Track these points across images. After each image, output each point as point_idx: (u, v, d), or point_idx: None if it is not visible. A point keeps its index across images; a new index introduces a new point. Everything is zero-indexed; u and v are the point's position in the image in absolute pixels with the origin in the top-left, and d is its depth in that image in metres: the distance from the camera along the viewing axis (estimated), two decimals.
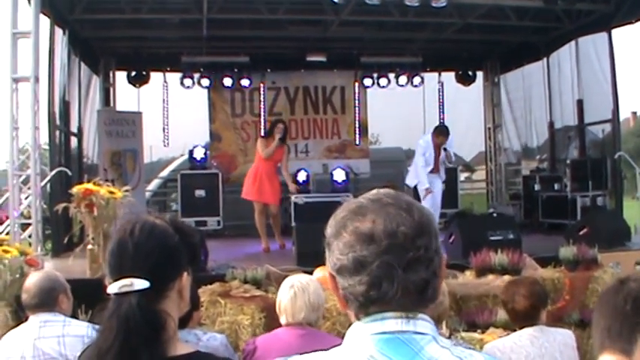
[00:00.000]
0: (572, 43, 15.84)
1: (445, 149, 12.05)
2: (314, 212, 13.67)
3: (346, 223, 1.71)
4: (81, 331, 4.13)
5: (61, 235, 11.34)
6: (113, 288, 2.04)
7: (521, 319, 4.80)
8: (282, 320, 4.52)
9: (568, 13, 14.35)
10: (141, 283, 2.02)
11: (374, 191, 1.79)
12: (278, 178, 12.90)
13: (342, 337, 1.75)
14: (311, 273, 8.35)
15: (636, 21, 13.94)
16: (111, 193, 8.71)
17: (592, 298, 8.63)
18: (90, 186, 8.69)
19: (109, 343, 1.98)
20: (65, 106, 13.08)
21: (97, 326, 3.39)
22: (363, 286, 1.66)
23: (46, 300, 4.27)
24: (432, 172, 12.18)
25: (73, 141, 13.94)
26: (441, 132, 12.35)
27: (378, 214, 1.69)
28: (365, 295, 1.66)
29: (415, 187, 12.06)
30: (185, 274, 2.16)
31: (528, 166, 18.77)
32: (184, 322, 4.58)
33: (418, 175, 12.10)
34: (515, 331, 4.88)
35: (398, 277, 1.65)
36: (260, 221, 12.58)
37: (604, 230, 10.81)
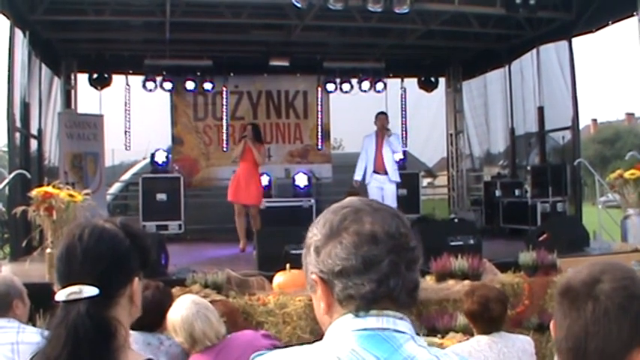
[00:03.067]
0: (534, 50, 16.01)
1: (388, 129, 12.17)
2: (276, 217, 13.67)
3: (345, 226, 1.75)
4: (35, 339, 4.04)
5: (19, 238, 11.18)
6: (61, 295, 1.99)
7: (479, 323, 4.81)
8: (180, 340, 4.43)
9: (530, 21, 14.49)
10: (90, 290, 1.98)
11: (354, 198, 1.85)
12: (256, 180, 12.85)
13: (302, 342, 1.76)
14: (271, 277, 8.39)
15: (596, 30, 14.12)
16: (71, 196, 8.61)
17: (551, 302, 8.68)
18: (49, 189, 8.58)
19: (57, 352, 1.93)
20: (25, 107, 12.92)
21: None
22: (372, 284, 1.70)
23: (1, 305, 4.18)
24: (378, 173, 12.23)
25: (33, 143, 13.76)
26: (378, 115, 12.55)
27: (374, 217, 1.76)
28: (374, 292, 1.71)
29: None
30: (136, 279, 2.12)
31: (490, 172, 18.91)
32: (156, 326, 4.53)
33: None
34: (473, 335, 4.91)
35: (402, 275, 1.73)
36: (238, 222, 12.60)
37: (563, 236, 10.89)
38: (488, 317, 4.79)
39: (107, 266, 2.04)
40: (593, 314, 1.92)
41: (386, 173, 12.24)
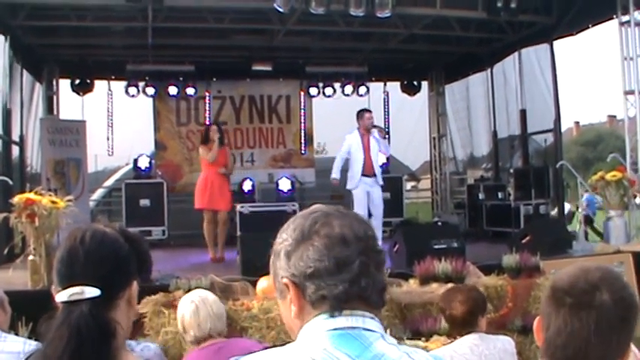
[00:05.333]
0: (516, 54, 16.12)
1: (375, 125, 11.98)
2: (259, 222, 13.65)
3: (316, 230, 1.77)
4: (17, 347, 4.00)
5: (1, 246, 11.12)
6: (63, 296, 1.99)
7: (458, 325, 4.83)
8: (190, 337, 4.48)
9: (511, 24, 14.55)
10: (92, 291, 1.98)
11: (321, 205, 1.88)
12: (228, 184, 12.65)
13: (280, 345, 1.77)
14: (255, 282, 8.38)
15: (577, 33, 14.23)
16: (53, 202, 8.56)
17: (534, 304, 8.73)
18: (32, 196, 8.53)
19: (58, 353, 1.92)
20: (7, 114, 12.87)
21: (33, 342, 3.32)
22: (345, 284, 1.73)
23: None
24: (367, 175, 11.83)
25: (15, 150, 13.71)
26: (364, 113, 12.10)
27: (343, 220, 1.79)
28: (347, 292, 1.73)
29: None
30: (134, 283, 2.15)
31: (473, 175, 18.96)
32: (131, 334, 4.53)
33: (333, 167, 11.94)
34: (457, 338, 4.92)
35: (372, 276, 1.77)
36: (208, 230, 12.28)
37: (546, 238, 10.95)
38: (449, 315, 4.87)
39: (109, 269, 2.06)
40: (596, 325, 1.94)
41: (374, 175, 11.92)
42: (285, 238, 1.80)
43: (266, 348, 4.57)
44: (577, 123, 72.10)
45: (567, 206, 15.04)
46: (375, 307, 1.77)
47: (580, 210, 17.51)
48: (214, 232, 12.38)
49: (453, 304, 4.81)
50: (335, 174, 11.90)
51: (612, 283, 1.99)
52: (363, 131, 11.78)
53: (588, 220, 20.21)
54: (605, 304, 1.95)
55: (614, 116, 66.98)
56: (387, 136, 12.19)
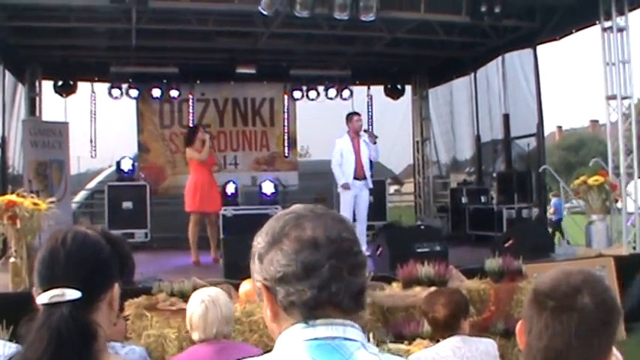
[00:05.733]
0: (499, 58, 16.18)
1: (365, 130, 12.07)
2: (242, 224, 13.63)
3: (287, 232, 1.73)
4: None
5: None
6: (43, 298, 1.98)
7: (441, 328, 4.84)
8: (195, 336, 4.49)
9: (495, 29, 14.60)
10: (73, 293, 1.97)
11: (299, 205, 1.84)
12: (216, 186, 12.80)
13: (269, 350, 1.76)
14: (238, 285, 8.37)
15: (560, 38, 14.29)
16: (35, 204, 8.53)
17: (517, 308, 8.76)
18: (13, 197, 8.50)
19: (38, 355, 1.90)
20: None
21: (13, 345, 3.29)
22: (313, 290, 1.69)
23: None
24: (358, 179, 12.02)
25: None
26: (353, 116, 12.35)
27: (316, 222, 1.74)
28: (316, 298, 1.69)
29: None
30: (116, 285, 2.14)
31: (456, 179, 19.02)
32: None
33: (335, 175, 12.06)
34: (439, 341, 4.92)
35: (345, 280, 1.71)
36: (193, 233, 12.24)
37: (529, 242, 11.01)
38: (432, 318, 4.87)
39: (90, 271, 2.04)
40: (577, 328, 1.95)
41: (364, 178, 12.06)
42: (259, 241, 1.78)
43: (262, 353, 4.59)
44: (560, 127, 72.52)
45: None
46: (350, 312, 1.73)
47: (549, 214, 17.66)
48: (199, 235, 12.35)
49: (436, 307, 4.82)
50: (342, 179, 11.97)
51: (594, 286, 2.00)
52: (353, 134, 12.06)
53: (556, 224, 20.38)
54: (587, 307, 1.96)
55: (597, 121, 67.40)
56: (376, 141, 12.18)
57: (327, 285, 1.69)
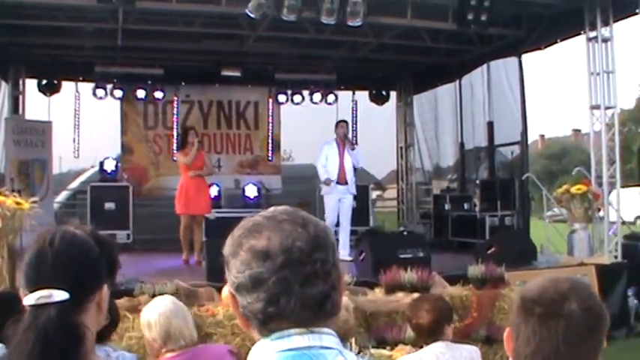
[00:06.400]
0: (484, 66, 16.22)
1: (352, 143, 12.25)
2: (225, 227, 13.12)
3: (242, 242, 1.71)
4: None
5: None
6: (30, 299, 1.95)
7: (425, 334, 4.85)
8: (157, 345, 4.41)
9: (480, 36, 14.65)
10: (60, 295, 1.93)
11: (271, 209, 1.80)
12: (206, 188, 12.92)
13: (246, 352, 1.74)
14: (220, 288, 8.33)
15: (545, 47, 14.35)
16: (18, 204, 8.45)
17: (499, 315, 8.81)
18: None
19: (24, 357, 1.88)
20: None
21: None
22: (261, 303, 1.67)
23: None
24: (340, 183, 12.19)
25: None
26: (339, 123, 12.63)
27: (273, 230, 1.70)
28: (264, 312, 1.67)
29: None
30: (105, 286, 2.10)
31: (439, 186, 19.06)
32: (104, 338, 4.47)
33: (319, 173, 12.33)
34: (423, 347, 4.93)
35: (295, 292, 1.66)
36: (184, 234, 12.50)
37: (511, 249, 11.05)
38: (415, 324, 4.88)
39: (78, 272, 2.01)
40: (565, 334, 1.96)
41: (346, 184, 12.24)
42: (225, 247, 1.77)
43: (235, 357, 4.56)
44: (542, 136, 72.79)
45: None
46: (308, 323, 1.68)
47: None
48: (190, 237, 12.56)
49: (420, 313, 4.83)
50: (325, 176, 12.25)
51: (581, 293, 2.01)
52: (340, 141, 12.28)
53: None
54: (574, 313, 1.97)
55: (579, 130, 67.75)
56: (354, 147, 12.33)
57: (275, 299, 1.66)
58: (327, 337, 1.69)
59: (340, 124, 12.57)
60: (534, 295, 2.05)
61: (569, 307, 1.98)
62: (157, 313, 4.40)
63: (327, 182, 12.20)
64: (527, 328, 2.02)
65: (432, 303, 4.94)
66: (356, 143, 18.13)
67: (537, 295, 2.04)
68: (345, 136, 12.33)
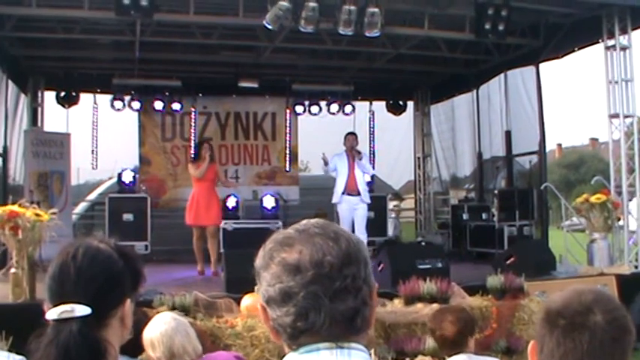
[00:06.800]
0: (502, 75, 16.18)
1: (358, 151, 12.27)
2: (243, 238, 13.62)
3: (273, 255, 1.70)
4: None
5: None
6: (52, 314, 1.95)
7: (448, 346, 4.81)
8: None
9: (498, 46, 14.63)
10: (82, 310, 1.93)
11: (303, 221, 1.78)
12: (216, 199, 12.95)
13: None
14: (239, 300, 8.34)
15: (563, 56, 14.30)
16: (37, 215, 8.49)
17: (518, 326, 8.76)
18: (15, 208, 8.47)
19: None
20: None
21: (17, 356, 3.26)
22: (290, 317, 1.65)
23: None
24: (351, 194, 12.19)
25: None
26: (347, 135, 12.64)
27: (304, 244, 1.68)
28: (293, 326, 1.65)
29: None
30: (128, 300, 2.09)
31: (456, 196, 19.01)
32: (136, 352, 4.46)
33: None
34: (443, 359, 4.90)
35: (325, 307, 1.64)
36: (197, 246, 12.62)
37: (530, 259, 10.98)
38: (440, 336, 4.83)
39: (100, 286, 2.01)
40: (589, 345, 1.94)
41: (358, 194, 12.23)
42: (257, 259, 1.76)
43: (239, 358, 4.54)
44: (559, 145, 72.51)
45: None
46: (338, 339, 1.66)
47: None
48: (202, 247, 12.64)
49: (444, 325, 4.80)
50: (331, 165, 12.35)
51: (606, 304, 1.99)
52: (349, 152, 12.25)
53: None
54: (598, 324, 1.95)
55: (597, 139, 67.47)
56: (361, 156, 12.36)
57: (304, 313, 1.64)
58: (355, 353, 1.67)
59: (348, 136, 12.58)
60: (558, 306, 2.03)
61: (594, 319, 1.96)
62: (158, 332, 4.36)
63: (324, 158, 12.30)
64: (551, 340, 2.00)
65: (457, 314, 4.90)
66: (373, 155, 18.22)
67: (562, 306, 2.02)
68: (353, 147, 12.32)
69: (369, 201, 12.50)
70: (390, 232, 18.43)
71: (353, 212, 12.21)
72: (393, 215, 20.10)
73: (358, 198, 12.24)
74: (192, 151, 16.84)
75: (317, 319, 1.64)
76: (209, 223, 12.64)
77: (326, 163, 12.28)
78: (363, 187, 12.33)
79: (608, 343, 1.95)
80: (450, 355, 4.76)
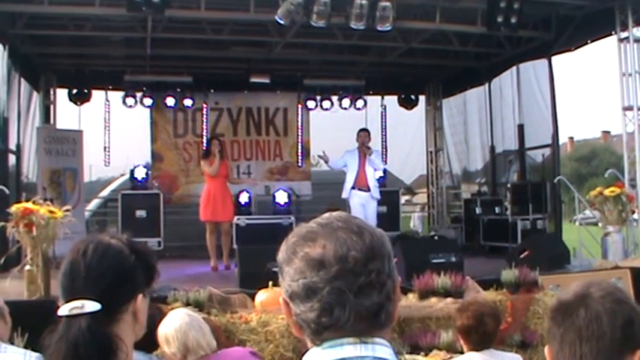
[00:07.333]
0: (514, 68, 16.12)
1: (368, 147, 12.35)
2: (256, 234, 13.64)
3: (296, 249, 1.68)
4: (17, 359, 3.95)
5: None
6: (63, 310, 1.96)
7: (487, 340, 4.74)
8: (189, 356, 4.40)
9: (510, 39, 14.59)
10: (92, 306, 1.95)
11: (325, 215, 1.76)
12: (230, 195, 13.08)
13: (280, 357, 1.73)
14: (253, 295, 8.34)
15: (575, 49, 14.25)
16: (51, 212, 8.51)
17: (533, 319, 8.73)
18: (29, 205, 8.49)
19: None
20: (4, 122, 12.84)
21: (34, 354, 3.27)
22: (314, 313, 1.63)
23: None
24: (361, 189, 12.26)
25: (12, 158, 13.66)
26: (359, 132, 12.68)
27: (328, 238, 1.66)
28: (317, 322, 1.63)
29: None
30: (140, 296, 2.09)
31: (468, 190, 18.99)
32: (151, 347, 4.47)
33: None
34: (462, 353, 4.87)
35: (350, 303, 1.62)
36: (211, 241, 12.67)
37: (544, 253, 10.95)
38: (483, 332, 4.74)
39: (110, 282, 2.02)
40: (585, 318, 1.99)
41: (368, 190, 12.26)
42: (279, 254, 1.74)
43: (259, 358, 4.54)
44: (571, 138, 72.26)
45: None
46: (362, 334, 1.65)
47: None
48: (216, 243, 12.71)
49: (469, 317, 4.73)
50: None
51: (600, 284, 2.08)
52: (361, 148, 12.34)
53: None
54: (593, 299, 2.02)
55: (609, 132, 67.31)
56: (371, 151, 12.40)
57: (328, 309, 1.62)
58: (380, 348, 1.65)
59: (360, 132, 12.63)
60: (555, 304, 2.11)
61: (590, 296, 2.04)
62: (172, 328, 4.40)
63: (324, 158, 12.49)
64: (553, 327, 2.08)
65: (480, 307, 4.85)
66: (385, 149, 18.20)
67: (558, 302, 2.11)
68: (364, 144, 12.35)
69: (379, 197, 12.57)
70: (416, 225, 18.47)
71: (364, 207, 12.25)
72: (419, 209, 20.15)
73: (368, 194, 12.31)
74: (204, 148, 16.89)
75: (341, 314, 1.62)
76: (226, 219, 12.80)
77: (326, 161, 12.44)
78: (373, 184, 12.39)
79: (605, 314, 1.99)
80: (473, 349, 4.72)
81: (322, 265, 1.63)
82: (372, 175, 12.43)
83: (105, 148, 17.27)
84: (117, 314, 2.02)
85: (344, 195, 12.43)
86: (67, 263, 2.06)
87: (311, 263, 1.64)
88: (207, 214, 12.65)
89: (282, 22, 11.67)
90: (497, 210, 16.26)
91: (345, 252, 1.64)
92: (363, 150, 12.27)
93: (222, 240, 12.80)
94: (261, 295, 8.23)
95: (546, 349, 2.11)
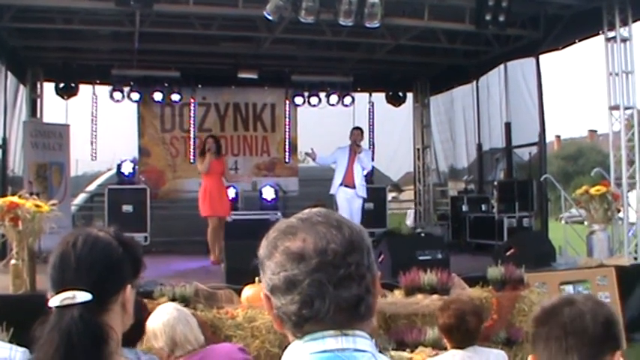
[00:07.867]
0: (501, 67, 16.17)
1: (359, 145, 12.53)
2: (243, 230, 13.63)
3: (277, 244, 1.71)
4: (3, 354, 3.93)
5: None
6: (55, 301, 1.98)
7: (471, 337, 4.75)
8: (177, 351, 4.40)
9: (498, 37, 14.60)
10: (83, 296, 1.97)
11: (305, 210, 1.79)
12: (226, 191, 13.39)
13: (271, 356, 1.74)
14: (240, 291, 8.34)
15: (562, 48, 14.28)
16: (37, 207, 8.48)
17: (519, 317, 8.78)
18: (15, 199, 8.46)
19: (49, 357, 1.91)
20: None
21: (20, 348, 3.27)
22: (295, 305, 1.66)
23: None
24: (347, 186, 12.44)
25: None
26: (353, 130, 12.90)
27: (308, 232, 1.69)
28: (298, 314, 1.66)
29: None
30: (129, 287, 2.13)
31: (455, 187, 19.02)
32: (135, 341, 4.47)
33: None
34: (445, 349, 4.89)
35: (329, 295, 1.64)
36: (212, 236, 12.79)
37: (530, 251, 11.00)
38: (465, 330, 4.75)
39: (100, 273, 2.05)
40: (570, 315, 2.13)
41: (354, 187, 12.34)
42: (260, 249, 1.76)
43: (247, 355, 4.55)
44: (558, 137, 72.46)
45: None
46: (342, 326, 1.67)
47: None
48: (215, 237, 12.84)
49: (450, 316, 4.75)
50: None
51: (582, 293, 2.26)
52: (352, 145, 12.55)
53: None
54: (577, 300, 2.18)
55: (595, 131, 67.49)
56: (361, 149, 12.51)
57: (309, 301, 1.65)
58: (360, 340, 1.68)
59: (353, 131, 12.87)
60: (539, 311, 2.25)
61: (573, 298, 2.20)
62: (160, 322, 4.41)
63: (312, 155, 12.81)
64: (542, 334, 2.19)
65: (462, 305, 4.87)
66: (373, 146, 18.23)
67: (542, 308, 2.25)
68: (355, 142, 12.46)
69: (364, 195, 12.76)
70: (410, 221, 18.52)
71: (350, 203, 12.41)
72: (413, 206, 20.21)
73: (353, 191, 12.46)
74: (192, 143, 16.90)
75: (322, 306, 1.64)
76: (224, 214, 13.05)
77: (313, 159, 12.71)
78: (359, 182, 12.55)
79: (588, 312, 2.13)
80: (456, 347, 4.74)
81: (302, 258, 1.66)
82: (360, 174, 12.58)
83: (92, 142, 17.20)
84: (107, 305, 2.05)
85: (332, 191, 12.58)
86: (57, 255, 2.08)
87: (291, 256, 1.67)
88: (206, 209, 12.82)
89: (270, 17, 11.65)
90: (483, 207, 16.32)
91: (324, 245, 1.67)
92: (354, 148, 12.34)
93: (217, 234, 12.89)
94: (248, 291, 8.23)
95: (530, 358, 2.20)
